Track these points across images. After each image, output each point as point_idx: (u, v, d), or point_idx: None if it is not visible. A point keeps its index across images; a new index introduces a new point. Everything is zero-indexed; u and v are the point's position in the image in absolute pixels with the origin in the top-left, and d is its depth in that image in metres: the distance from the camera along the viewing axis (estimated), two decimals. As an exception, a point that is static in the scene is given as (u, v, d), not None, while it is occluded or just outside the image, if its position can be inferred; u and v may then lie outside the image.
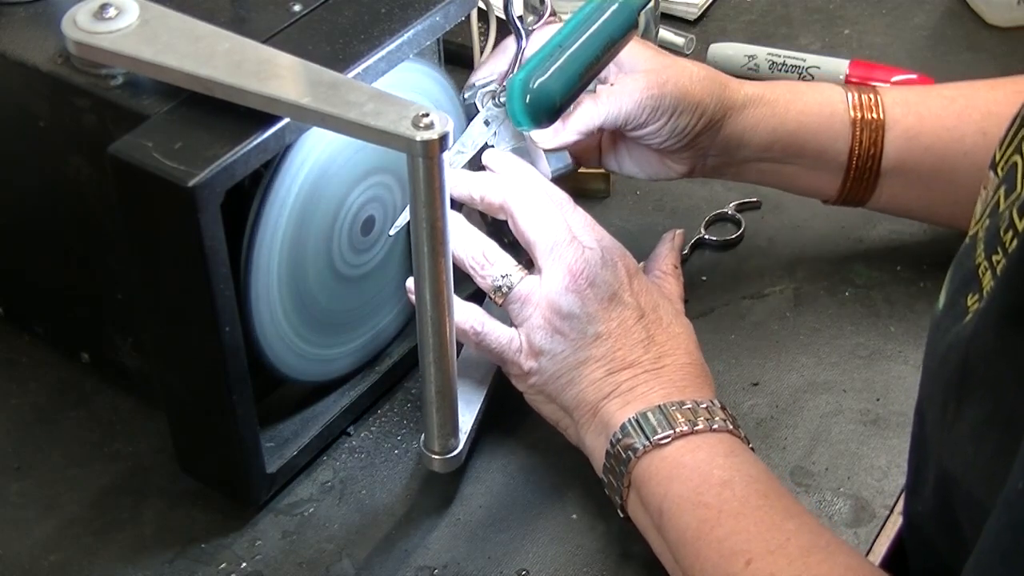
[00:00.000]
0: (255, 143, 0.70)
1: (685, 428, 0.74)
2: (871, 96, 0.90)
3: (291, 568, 0.79)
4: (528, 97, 0.77)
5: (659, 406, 0.75)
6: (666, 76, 0.86)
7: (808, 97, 0.90)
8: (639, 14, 0.83)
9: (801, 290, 0.96)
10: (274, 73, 0.71)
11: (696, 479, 0.72)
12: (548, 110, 0.78)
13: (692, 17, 1.22)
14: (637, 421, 0.75)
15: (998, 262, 0.58)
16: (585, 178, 1.03)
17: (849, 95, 0.90)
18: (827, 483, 0.83)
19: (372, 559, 0.79)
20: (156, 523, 0.82)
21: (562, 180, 0.85)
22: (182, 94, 0.72)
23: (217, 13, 0.77)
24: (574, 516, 0.82)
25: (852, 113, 0.89)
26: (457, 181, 0.82)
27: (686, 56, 1.17)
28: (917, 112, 0.90)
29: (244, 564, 0.79)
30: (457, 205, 0.83)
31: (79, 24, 0.73)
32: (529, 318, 0.79)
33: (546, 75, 0.77)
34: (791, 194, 0.96)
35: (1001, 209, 0.61)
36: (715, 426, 0.74)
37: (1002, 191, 0.60)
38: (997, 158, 0.63)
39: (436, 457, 0.79)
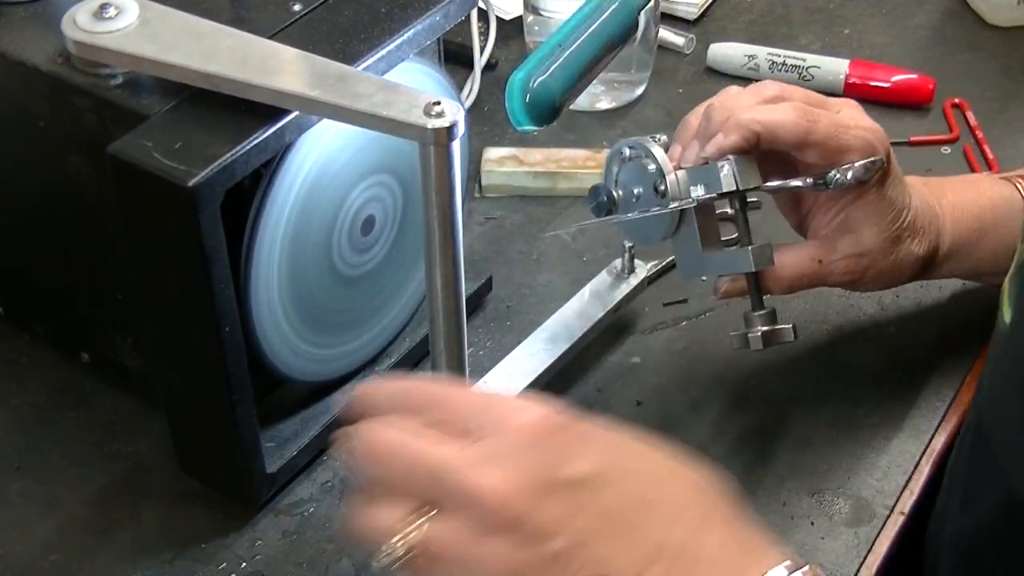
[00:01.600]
0: (255, 143, 0.70)
1: None
2: None
3: (291, 568, 0.79)
4: (528, 96, 0.77)
5: None
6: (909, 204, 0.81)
7: (995, 235, 0.86)
8: (639, 14, 0.83)
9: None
10: (281, 67, 0.71)
11: None
12: (548, 109, 0.78)
13: (692, 17, 1.22)
14: None
15: None
16: (585, 177, 1.03)
17: (1018, 185, 0.86)
18: (827, 483, 0.83)
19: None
20: (156, 523, 0.82)
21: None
22: (182, 93, 0.72)
23: (217, 13, 0.77)
24: (574, 516, 0.82)
25: None
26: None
27: (686, 56, 1.17)
28: None
29: (244, 564, 0.79)
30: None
31: (79, 24, 0.73)
32: None
33: (546, 74, 0.77)
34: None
35: None
36: None
37: None
38: None
39: None
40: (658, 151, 0.80)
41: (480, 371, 0.89)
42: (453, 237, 0.70)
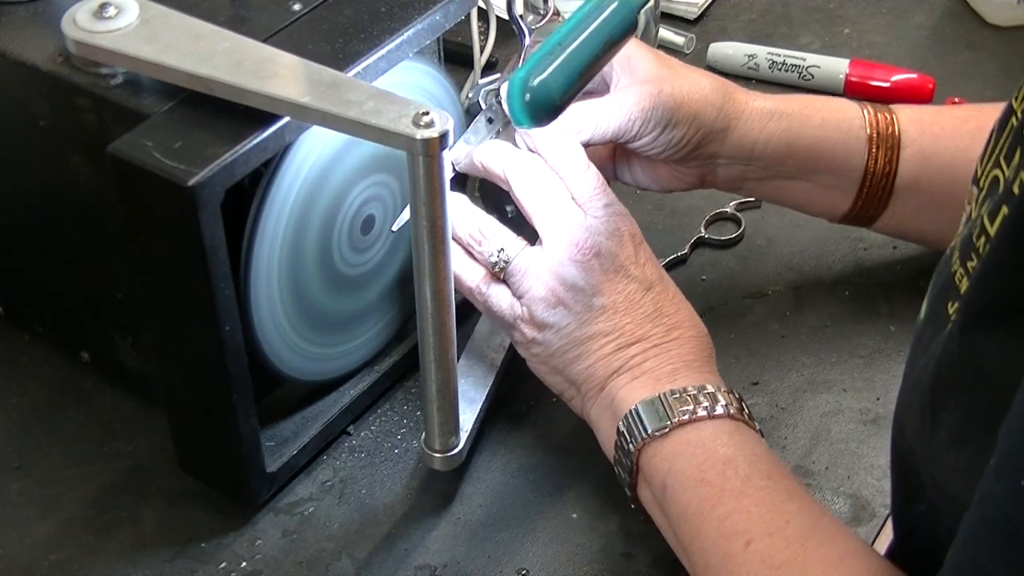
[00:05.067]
0: (255, 142, 0.70)
1: (684, 418, 0.74)
2: (887, 115, 0.89)
3: (291, 567, 0.79)
4: (528, 96, 0.77)
5: (659, 396, 0.75)
6: (660, 87, 0.85)
7: (825, 112, 0.89)
8: (639, 13, 0.83)
9: (801, 290, 0.96)
10: (274, 72, 0.71)
11: (700, 456, 0.72)
12: (548, 108, 0.78)
13: (692, 16, 1.22)
14: (637, 413, 0.75)
15: (972, 268, 0.58)
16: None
17: (865, 112, 0.89)
18: (827, 482, 0.83)
19: (372, 558, 0.79)
20: (156, 522, 0.82)
21: None
22: (182, 93, 0.72)
23: (217, 12, 0.77)
24: (574, 516, 0.82)
25: (868, 130, 0.88)
26: (460, 150, 0.83)
27: (686, 55, 1.17)
28: (932, 132, 0.89)
29: (244, 563, 0.79)
30: (458, 187, 0.84)
31: (79, 23, 0.73)
32: (530, 290, 0.79)
33: (545, 73, 0.77)
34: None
35: (973, 216, 0.61)
36: (716, 412, 0.74)
37: (986, 204, 0.60)
38: (979, 173, 0.63)
39: (437, 455, 0.79)
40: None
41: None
42: (443, 249, 0.69)
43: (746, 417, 0.75)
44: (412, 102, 0.67)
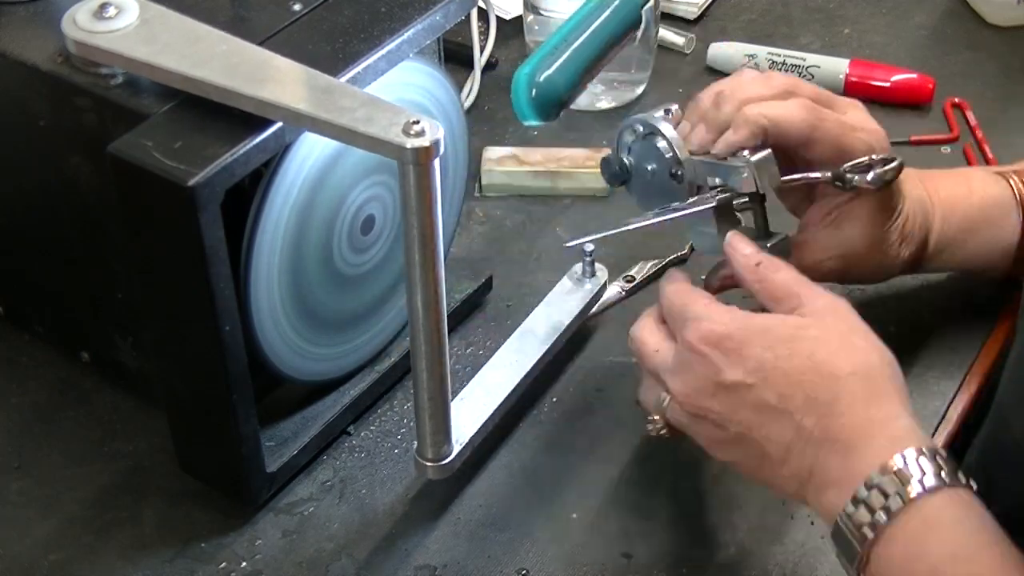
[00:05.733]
0: (255, 142, 0.70)
1: (883, 519, 0.63)
2: None
3: (291, 567, 0.79)
4: (534, 91, 0.77)
5: (850, 501, 0.65)
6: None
7: (984, 234, 0.87)
8: (642, 9, 0.83)
9: (801, 289, 0.96)
10: (269, 76, 0.71)
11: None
12: (553, 104, 0.78)
13: (692, 16, 1.22)
14: (842, 525, 0.65)
15: None
16: (585, 177, 1.03)
17: (1012, 183, 0.88)
18: (827, 482, 0.83)
19: (372, 558, 0.79)
20: (156, 522, 0.82)
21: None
22: (182, 93, 0.72)
23: (217, 13, 0.77)
24: (574, 516, 0.82)
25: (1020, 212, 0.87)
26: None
27: (686, 55, 1.17)
28: None
29: (244, 563, 0.79)
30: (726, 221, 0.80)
31: (79, 23, 0.73)
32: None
33: (551, 69, 0.77)
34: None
35: None
36: (929, 486, 0.63)
37: None
38: None
39: (429, 464, 0.78)
40: (671, 132, 0.79)
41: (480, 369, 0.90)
42: (434, 257, 0.69)
43: (959, 478, 0.65)
44: (403, 110, 0.67)
